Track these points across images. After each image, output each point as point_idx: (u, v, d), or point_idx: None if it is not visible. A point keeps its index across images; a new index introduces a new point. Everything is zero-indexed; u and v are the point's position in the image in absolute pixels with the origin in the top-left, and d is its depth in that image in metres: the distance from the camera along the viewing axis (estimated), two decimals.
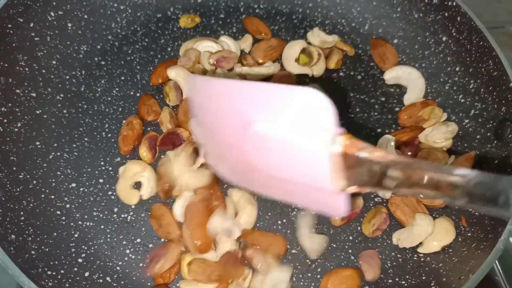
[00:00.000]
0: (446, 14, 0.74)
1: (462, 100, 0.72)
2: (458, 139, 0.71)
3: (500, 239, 0.54)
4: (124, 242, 0.62)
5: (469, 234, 0.62)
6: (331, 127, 0.39)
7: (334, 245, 0.63)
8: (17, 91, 0.67)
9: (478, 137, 0.69)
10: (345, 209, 0.44)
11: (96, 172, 0.67)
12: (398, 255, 0.63)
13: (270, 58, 0.78)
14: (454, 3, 0.73)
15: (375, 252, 0.62)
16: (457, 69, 0.74)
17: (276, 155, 0.45)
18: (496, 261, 0.70)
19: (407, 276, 0.61)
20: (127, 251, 0.62)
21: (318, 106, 0.39)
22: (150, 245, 0.62)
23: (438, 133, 0.69)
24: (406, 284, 0.60)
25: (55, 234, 0.60)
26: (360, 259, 0.62)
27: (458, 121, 0.72)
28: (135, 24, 0.80)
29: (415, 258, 0.62)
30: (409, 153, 0.68)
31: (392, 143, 0.68)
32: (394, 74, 0.77)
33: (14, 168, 0.62)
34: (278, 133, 0.43)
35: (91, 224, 0.63)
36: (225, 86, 0.49)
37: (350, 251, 0.63)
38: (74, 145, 0.68)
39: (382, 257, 0.63)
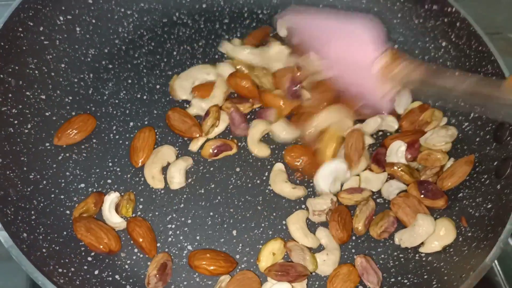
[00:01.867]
0: (445, 20, 0.76)
1: (462, 104, 0.74)
2: (457, 141, 0.72)
3: (499, 238, 0.56)
4: (132, 241, 0.63)
5: (469, 234, 0.63)
6: (379, 45, 0.62)
7: None
8: (27, 93, 0.69)
9: (477, 139, 0.70)
10: (390, 106, 0.70)
11: (104, 173, 0.68)
12: (401, 255, 0.64)
13: None
14: (454, 9, 0.75)
15: (366, 260, 0.62)
16: (457, 73, 0.76)
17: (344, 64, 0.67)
18: (497, 262, 0.71)
19: (409, 275, 0.62)
20: (135, 250, 0.63)
21: (369, 32, 0.62)
22: (158, 244, 0.63)
23: (438, 137, 0.71)
24: (408, 283, 0.62)
25: (65, 233, 0.62)
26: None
27: (457, 124, 0.73)
28: (141, 29, 0.82)
29: (417, 258, 0.64)
30: (409, 156, 0.70)
31: (403, 149, 0.70)
32: None
33: (25, 169, 0.64)
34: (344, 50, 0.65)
35: None
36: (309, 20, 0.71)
37: (353, 250, 0.65)
38: (83, 147, 0.70)
39: (384, 256, 0.64)
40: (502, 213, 0.60)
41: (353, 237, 0.66)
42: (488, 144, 0.69)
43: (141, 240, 0.61)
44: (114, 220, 0.62)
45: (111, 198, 0.63)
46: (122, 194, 0.65)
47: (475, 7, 0.97)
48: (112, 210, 0.63)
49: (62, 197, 0.65)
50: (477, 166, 0.68)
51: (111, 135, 0.71)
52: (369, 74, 0.63)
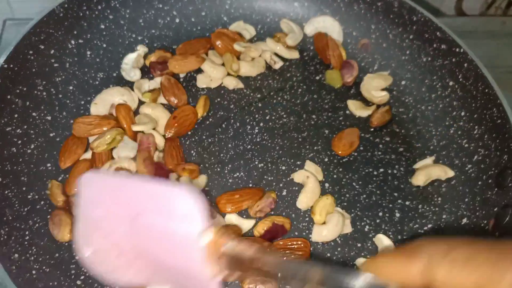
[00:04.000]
0: (453, 60, 0.76)
1: (466, 145, 0.73)
2: (460, 183, 0.71)
3: None
4: None
5: None
6: (203, 221, 0.44)
7: None
8: (33, 114, 0.70)
9: (479, 183, 0.69)
10: None
11: None
12: None
13: None
14: (462, 50, 0.74)
15: None
16: (463, 114, 0.75)
17: (160, 243, 0.47)
18: None
19: None
20: None
21: (192, 203, 0.44)
22: None
23: (373, 84, 0.81)
24: None
25: (57, 255, 0.62)
26: None
27: (461, 166, 0.72)
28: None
29: None
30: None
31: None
32: (312, 27, 0.87)
33: (24, 188, 0.65)
34: (160, 224, 0.46)
35: None
36: (116, 183, 0.51)
37: None
38: None
39: None
40: None
41: None
42: (490, 188, 0.67)
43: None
44: None
45: None
46: None
47: (488, 45, 0.97)
48: None
49: None
50: (478, 210, 0.67)
51: None
52: (194, 252, 0.45)
